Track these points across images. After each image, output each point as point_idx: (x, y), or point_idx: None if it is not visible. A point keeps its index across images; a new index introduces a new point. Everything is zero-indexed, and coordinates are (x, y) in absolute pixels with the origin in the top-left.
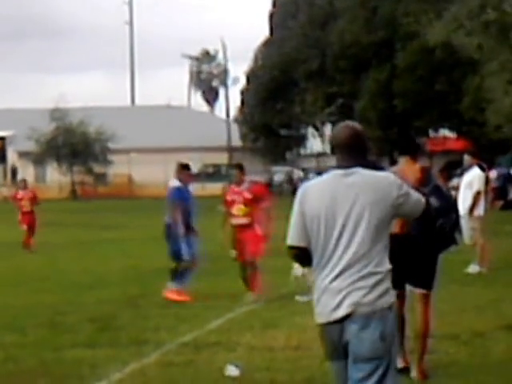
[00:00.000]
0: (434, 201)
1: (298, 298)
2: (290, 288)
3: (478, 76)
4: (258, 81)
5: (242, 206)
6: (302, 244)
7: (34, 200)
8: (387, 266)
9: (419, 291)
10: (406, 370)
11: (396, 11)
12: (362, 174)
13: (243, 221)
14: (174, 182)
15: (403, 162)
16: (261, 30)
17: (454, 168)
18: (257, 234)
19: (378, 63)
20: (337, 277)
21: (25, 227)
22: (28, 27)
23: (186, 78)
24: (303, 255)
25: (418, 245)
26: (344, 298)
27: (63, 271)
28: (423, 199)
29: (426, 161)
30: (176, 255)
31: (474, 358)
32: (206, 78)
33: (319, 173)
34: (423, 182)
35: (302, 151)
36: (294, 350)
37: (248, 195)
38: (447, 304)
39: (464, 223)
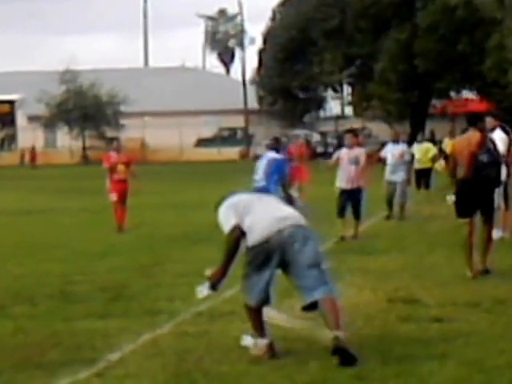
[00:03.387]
0: (484, 157)
1: None
2: None
3: (500, 35)
4: (275, 41)
5: None
6: None
7: (128, 165)
8: None
9: (483, 217)
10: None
11: None
12: None
13: None
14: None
15: (471, 130)
16: None
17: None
18: None
19: (398, 23)
20: None
21: (115, 197)
22: None
23: (201, 38)
24: None
25: (476, 187)
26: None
27: (74, 239)
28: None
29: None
30: None
31: (496, 326)
32: (222, 38)
33: (338, 136)
34: (482, 145)
35: (321, 114)
36: (311, 319)
37: None
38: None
39: None
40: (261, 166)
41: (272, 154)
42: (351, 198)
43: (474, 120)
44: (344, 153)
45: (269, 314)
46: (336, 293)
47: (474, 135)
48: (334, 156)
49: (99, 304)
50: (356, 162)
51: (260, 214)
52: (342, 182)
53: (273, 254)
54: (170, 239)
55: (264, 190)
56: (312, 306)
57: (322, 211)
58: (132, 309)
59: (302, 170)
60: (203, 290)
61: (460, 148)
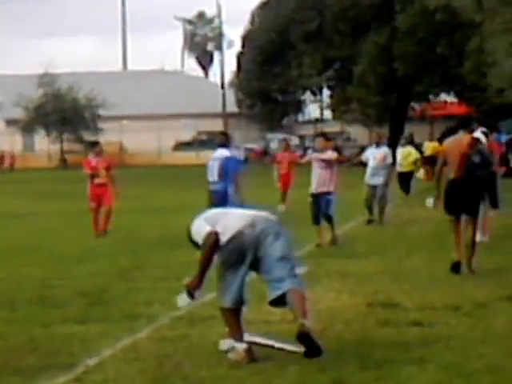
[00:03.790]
0: (477, 158)
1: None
2: None
3: (479, 38)
4: (254, 44)
5: None
6: None
7: (108, 170)
8: None
9: (468, 217)
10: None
11: None
12: None
13: None
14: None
15: (461, 133)
16: None
17: (455, 133)
18: None
19: (377, 26)
20: None
21: (94, 205)
22: None
23: (179, 41)
24: None
25: (467, 187)
26: None
27: (53, 243)
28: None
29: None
30: None
31: (475, 330)
32: (201, 41)
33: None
34: (473, 146)
35: (299, 117)
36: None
37: None
38: (448, 274)
39: None
40: (214, 166)
41: (223, 152)
42: (322, 202)
43: (465, 123)
44: (315, 156)
45: (255, 338)
46: (303, 286)
47: (464, 137)
48: (307, 156)
49: (78, 309)
50: (326, 165)
51: (232, 215)
52: (312, 185)
53: (246, 251)
54: (150, 243)
55: (221, 193)
56: (279, 302)
57: (300, 216)
58: (111, 313)
59: (289, 177)
60: (182, 300)
61: (451, 150)
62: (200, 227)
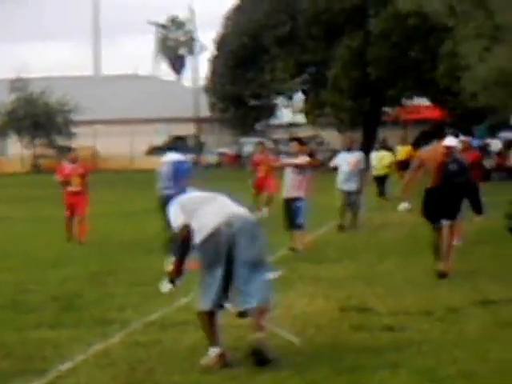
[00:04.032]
0: (454, 166)
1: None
2: None
3: (452, 42)
4: (226, 48)
5: None
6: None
7: (84, 177)
8: None
9: (449, 222)
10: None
11: None
12: None
13: None
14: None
15: (437, 143)
16: None
17: (429, 138)
18: None
19: (350, 30)
20: None
21: (67, 214)
22: None
23: (152, 46)
24: None
25: (445, 194)
26: None
27: (25, 248)
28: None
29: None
30: None
31: (448, 334)
32: (173, 45)
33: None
34: (450, 155)
35: (273, 121)
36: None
37: None
38: (422, 279)
39: None
40: (165, 172)
41: (173, 156)
42: (292, 207)
43: (440, 130)
44: (287, 161)
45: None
46: (271, 299)
47: (440, 146)
48: (282, 161)
49: (51, 313)
50: (299, 170)
51: (209, 210)
52: (284, 190)
53: (222, 250)
54: (123, 248)
55: (171, 197)
56: (245, 314)
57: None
58: (83, 318)
59: (268, 181)
60: (164, 286)
61: (427, 158)
62: (175, 216)
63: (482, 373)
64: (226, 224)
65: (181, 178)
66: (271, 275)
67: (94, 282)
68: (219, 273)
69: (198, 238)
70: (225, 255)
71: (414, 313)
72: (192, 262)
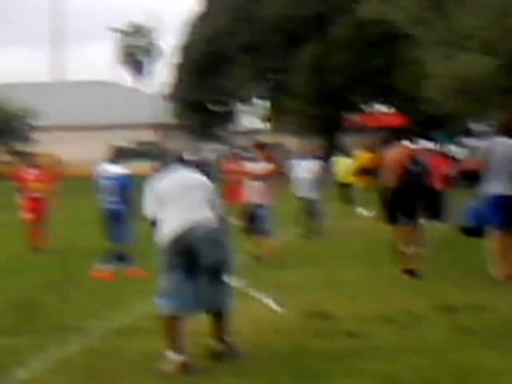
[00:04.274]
0: (415, 168)
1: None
2: None
3: (413, 49)
4: (188, 55)
5: None
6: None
7: (47, 182)
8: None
9: (409, 222)
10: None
11: None
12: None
13: None
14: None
15: (398, 144)
16: (192, 3)
17: (389, 144)
18: None
19: (312, 37)
20: None
21: (28, 216)
22: None
23: (113, 52)
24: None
25: (406, 195)
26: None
27: None
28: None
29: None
30: (120, 238)
31: (407, 340)
32: (134, 52)
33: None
34: (411, 157)
35: (233, 128)
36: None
37: None
38: (383, 285)
39: None
40: (109, 185)
41: (114, 169)
42: (256, 214)
43: (400, 134)
44: (249, 167)
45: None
46: (232, 306)
47: (401, 148)
48: (244, 167)
49: (9, 321)
50: (261, 177)
51: (175, 213)
52: (246, 197)
53: (185, 255)
54: (84, 255)
55: (117, 211)
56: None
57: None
58: (43, 326)
59: (238, 190)
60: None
61: (389, 160)
62: (147, 203)
63: (441, 379)
64: (188, 230)
65: (127, 193)
66: (235, 282)
67: (53, 289)
68: (182, 277)
69: (162, 239)
70: (187, 260)
71: (375, 319)
72: (136, 269)
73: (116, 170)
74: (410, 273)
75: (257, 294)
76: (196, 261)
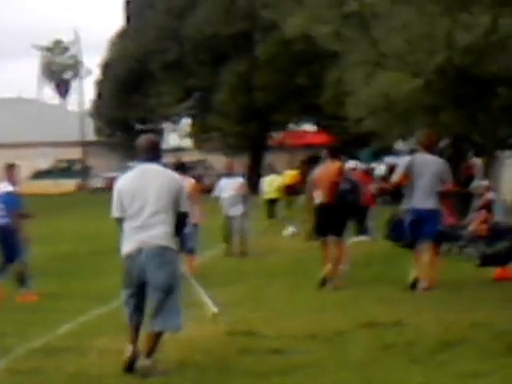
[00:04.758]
0: (345, 185)
1: None
2: None
3: (338, 68)
4: (113, 73)
5: None
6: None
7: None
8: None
9: (334, 238)
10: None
11: (255, 1)
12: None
13: None
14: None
15: (329, 161)
16: (116, 20)
17: (314, 162)
18: None
19: (237, 55)
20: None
21: None
22: None
23: (36, 69)
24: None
25: (335, 211)
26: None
27: None
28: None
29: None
30: (14, 258)
31: (334, 357)
32: (58, 69)
33: (177, 168)
34: (341, 174)
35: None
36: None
37: None
38: (309, 302)
39: None
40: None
41: (4, 187)
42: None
43: (334, 152)
44: None
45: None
46: (174, 327)
47: (332, 165)
48: None
49: None
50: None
51: (128, 229)
52: None
53: (133, 275)
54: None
55: (6, 228)
56: None
57: None
58: None
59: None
60: None
61: (319, 177)
62: (113, 204)
63: None
64: (136, 250)
65: (13, 210)
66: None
67: None
68: (133, 293)
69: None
70: (135, 280)
71: (301, 336)
72: (29, 294)
73: (4, 188)
74: (324, 281)
75: (198, 289)
76: (145, 281)
